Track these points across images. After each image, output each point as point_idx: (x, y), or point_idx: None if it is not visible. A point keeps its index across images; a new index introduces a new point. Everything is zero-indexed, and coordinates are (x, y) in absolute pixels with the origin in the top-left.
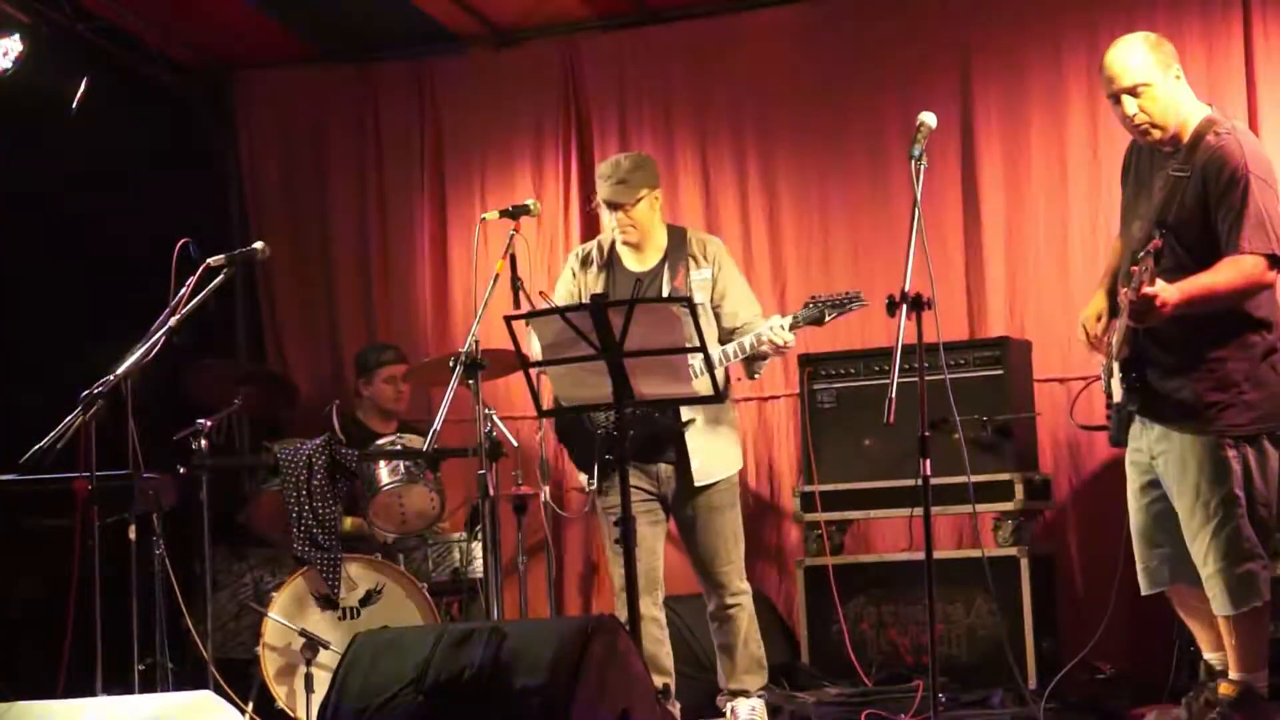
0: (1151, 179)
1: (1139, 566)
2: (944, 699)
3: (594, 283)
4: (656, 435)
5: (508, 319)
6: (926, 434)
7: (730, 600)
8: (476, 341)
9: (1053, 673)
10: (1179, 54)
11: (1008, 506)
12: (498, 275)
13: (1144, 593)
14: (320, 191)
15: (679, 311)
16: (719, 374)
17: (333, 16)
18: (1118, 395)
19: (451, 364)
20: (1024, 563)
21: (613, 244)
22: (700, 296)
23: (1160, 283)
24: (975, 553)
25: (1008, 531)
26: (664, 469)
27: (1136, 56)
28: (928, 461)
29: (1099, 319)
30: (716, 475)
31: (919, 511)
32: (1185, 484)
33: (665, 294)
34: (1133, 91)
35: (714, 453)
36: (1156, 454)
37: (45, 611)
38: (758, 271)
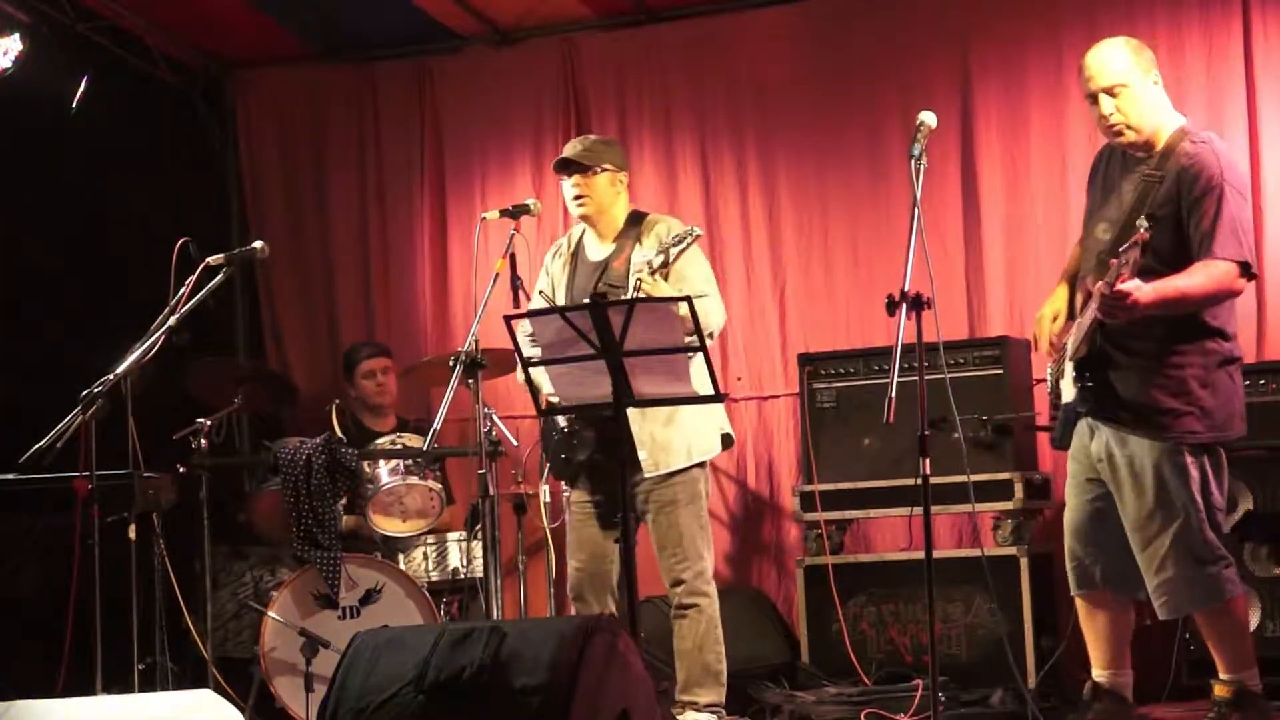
0: (1121, 183)
1: (1070, 564)
2: (944, 699)
3: (559, 273)
4: (606, 424)
5: (508, 319)
6: (926, 433)
7: (687, 600)
8: (476, 341)
9: (1053, 672)
10: (1179, 54)
11: (1007, 506)
12: (498, 275)
13: (1074, 593)
14: (320, 191)
15: (678, 310)
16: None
17: (333, 16)
18: (1068, 395)
19: (451, 364)
20: (1024, 562)
21: (581, 235)
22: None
23: (1135, 281)
24: (975, 552)
25: (1007, 531)
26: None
27: (1116, 57)
28: (927, 461)
29: (1055, 319)
30: (668, 467)
31: (919, 511)
32: (1142, 488)
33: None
34: (1110, 91)
35: (665, 444)
36: (1104, 457)
37: (45, 611)
38: (757, 271)
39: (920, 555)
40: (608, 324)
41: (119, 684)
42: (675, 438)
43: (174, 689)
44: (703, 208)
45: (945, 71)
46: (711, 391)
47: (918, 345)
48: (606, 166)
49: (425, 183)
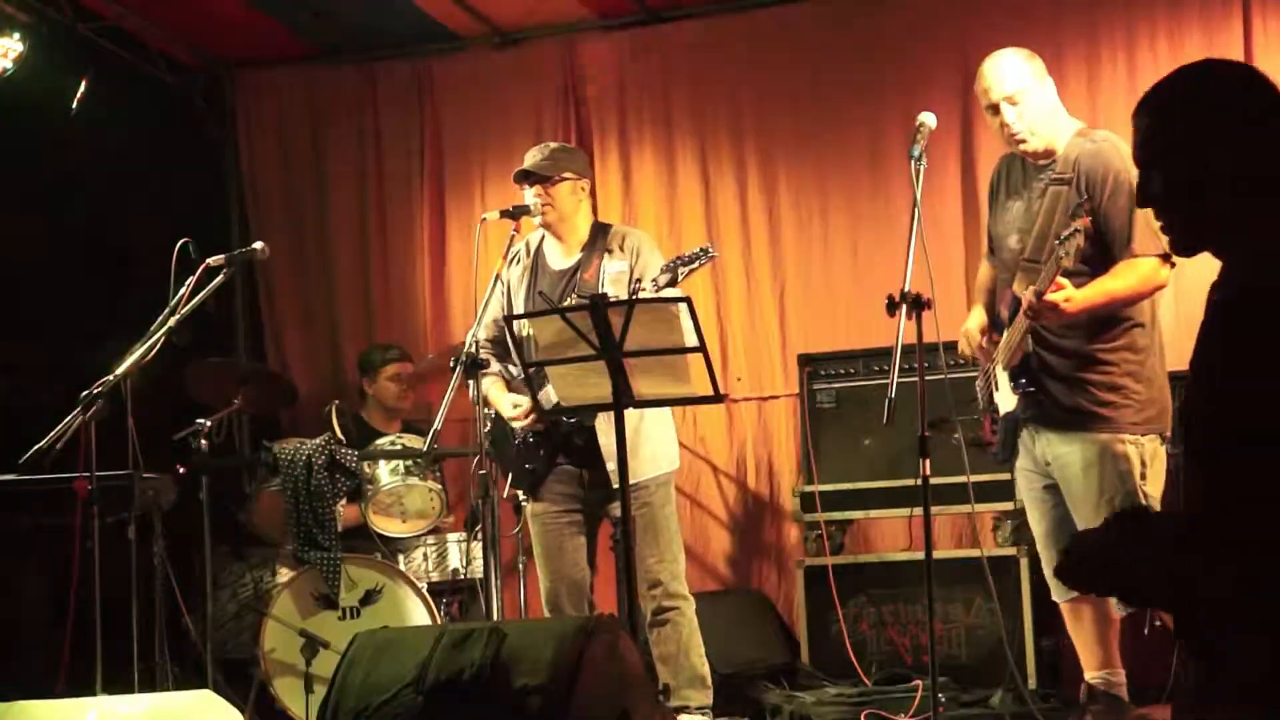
0: (1026, 191)
1: (1049, 573)
2: (944, 699)
3: (518, 280)
4: (569, 436)
5: (507, 319)
6: (926, 434)
7: (667, 603)
8: (477, 341)
9: (1053, 672)
10: (1179, 54)
11: (1007, 506)
12: (498, 275)
13: (1056, 599)
14: (320, 191)
15: (679, 310)
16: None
17: (333, 16)
18: (1008, 405)
19: (451, 364)
20: (1024, 562)
21: (540, 243)
22: (615, 290)
23: (1066, 290)
24: (975, 553)
25: (1007, 531)
26: (587, 473)
27: (1013, 66)
28: (927, 461)
29: (982, 332)
30: (639, 476)
31: (919, 511)
32: (1088, 484)
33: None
34: (1011, 99)
35: (633, 453)
36: (1052, 459)
37: (45, 611)
38: (757, 272)
39: (920, 555)
40: (607, 324)
41: (119, 684)
42: (643, 448)
43: (174, 689)
44: (703, 208)
45: (945, 72)
46: (711, 392)
47: (918, 345)
48: (567, 175)
49: (425, 183)
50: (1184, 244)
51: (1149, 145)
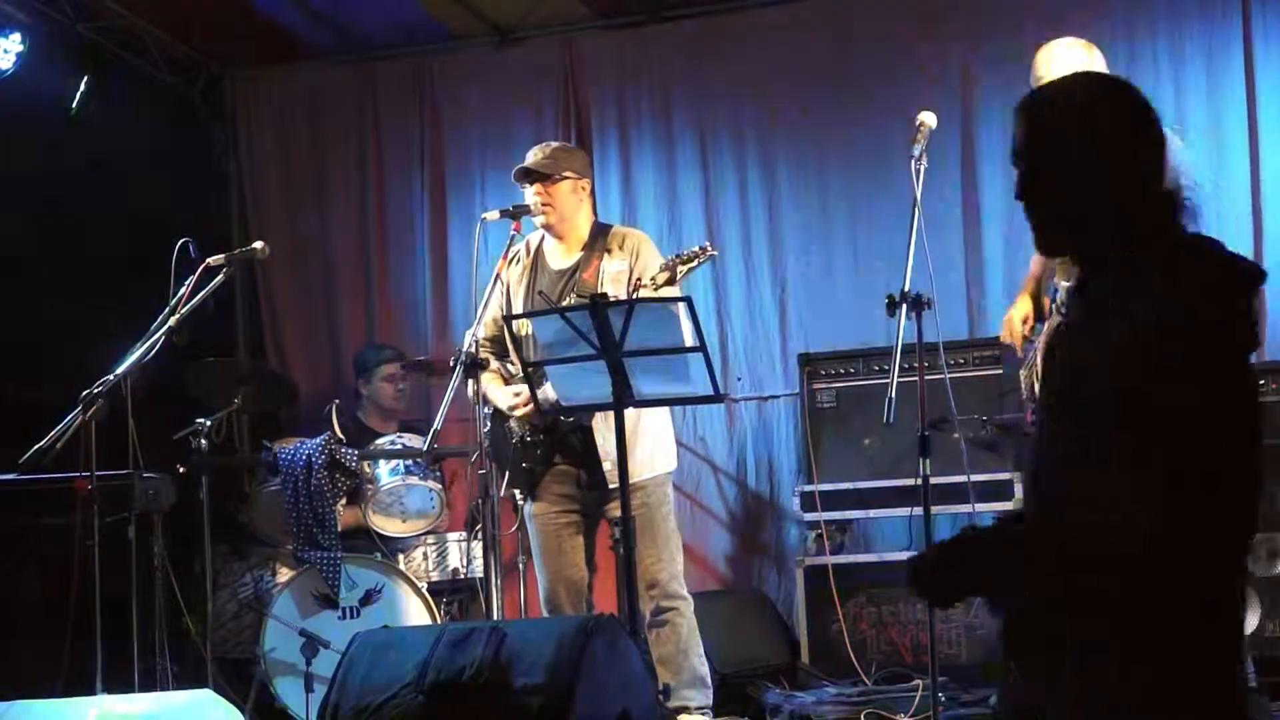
0: None
1: None
2: (944, 699)
3: (517, 279)
4: (567, 436)
5: (507, 319)
6: (926, 434)
7: (666, 604)
8: (476, 340)
9: None
10: (1178, 54)
11: (1007, 506)
12: (498, 275)
13: None
14: (320, 191)
15: (679, 310)
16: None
17: (333, 16)
18: None
19: (451, 364)
20: None
21: (540, 242)
22: (614, 289)
23: None
24: None
25: None
26: (584, 474)
27: (1068, 56)
28: (927, 461)
29: (1025, 321)
30: (636, 477)
31: (919, 511)
32: None
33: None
34: None
35: (628, 453)
36: None
37: (45, 611)
38: (757, 271)
39: None
40: (608, 324)
41: (119, 684)
42: (639, 448)
43: (174, 689)
44: (703, 207)
45: (946, 71)
46: (711, 392)
47: (918, 345)
48: (568, 174)
49: (425, 183)
50: (1045, 245)
51: (1024, 144)
